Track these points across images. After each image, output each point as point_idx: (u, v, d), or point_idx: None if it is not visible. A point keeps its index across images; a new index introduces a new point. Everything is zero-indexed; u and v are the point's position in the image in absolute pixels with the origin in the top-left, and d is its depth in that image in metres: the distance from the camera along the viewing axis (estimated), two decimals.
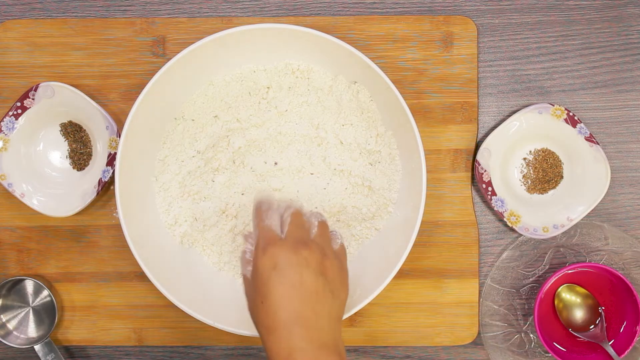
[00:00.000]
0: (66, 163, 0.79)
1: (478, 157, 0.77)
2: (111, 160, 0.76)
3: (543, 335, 0.75)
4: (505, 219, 0.77)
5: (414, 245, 0.69)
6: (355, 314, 0.75)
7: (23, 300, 0.79)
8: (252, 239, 0.61)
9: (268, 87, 0.75)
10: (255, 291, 0.58)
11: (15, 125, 0.76)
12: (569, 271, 0.77)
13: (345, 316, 0.66)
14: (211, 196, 0.75)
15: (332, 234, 0.64)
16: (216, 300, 0.74)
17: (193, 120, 0.75)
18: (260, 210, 0.61)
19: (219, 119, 0.75)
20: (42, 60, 0.79)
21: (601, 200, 0.77)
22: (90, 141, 0.79)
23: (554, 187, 0.79)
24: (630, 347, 0.75)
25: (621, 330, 0.76)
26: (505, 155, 0.78)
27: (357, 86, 0.74)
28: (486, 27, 0.80)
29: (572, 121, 0.77)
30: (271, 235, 0.59)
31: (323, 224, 0.62)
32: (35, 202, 0.77)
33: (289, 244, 0.58)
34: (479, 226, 0.80)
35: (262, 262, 0.57)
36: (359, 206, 0.75)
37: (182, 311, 0.69)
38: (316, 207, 0.75)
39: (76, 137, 0.78)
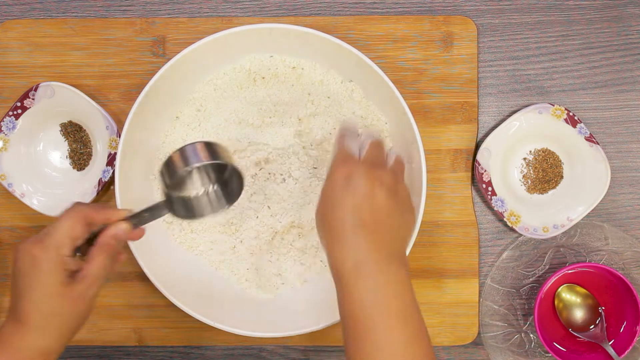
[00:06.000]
0: (66, 163, 0.79)
1: (478, 157, 0.77)
2: (111, 160, 0.76)
3: (543, 335, 0.75)
4: (505, 219, 0.77)
5: (414, 245, 0.69)
6: None
7: None
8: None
9: (268, 87, 0.75)
10: (327, 201, 0.59)
11: (15, 125, 0.76)
12: (569, 271, 0.77)
13: None
14: None
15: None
16: (216, 300, 0.74)
17: (193, 119, 0.75)
18: (343, 136, 0.63)
19: (220, 118, 0.75)
20: (42, 60, 0.79)
21: (601, 200, 0.77)
22: (90, 141, 0.79)
23: (554, 187, 0.79)
24: (630, 347, 0.74)
25: (621, 330, 0.76)
26: (505, 155, 0.78)
27: (352, 85, 0.74)
28: (486, 27, 0.80)
29: (572, 121, 0.77)
30: (349, 154, 0.60)
31: (398, 161, 0.64)
32: (35, 202, 0.77)
33: (365, 163, 0.60)
34: (479, 226, 0.80)
35: (337, 172, 0.59)
36: None
37: (182, 311, 0.69)
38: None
39: (76, 137, 0.78)
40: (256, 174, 0.75)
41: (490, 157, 0.77)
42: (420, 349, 0.55)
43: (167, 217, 0.75)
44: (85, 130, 0.79)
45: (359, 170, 0.58)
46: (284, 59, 0.74)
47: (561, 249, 0.79)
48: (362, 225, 0.56)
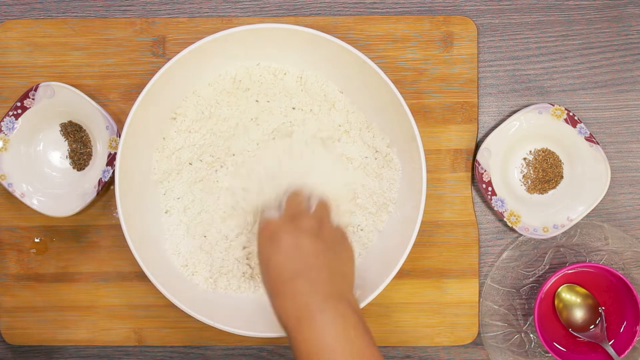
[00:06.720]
0: (66, 163, 0.79)
1: (478, 157, 0.77)
2: (111, 160, 0.76)
3: (543, 335, 0.75)
4: (505, 219, 0.77)
5: (414, 245, 0.69)
6: None
7: None
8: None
9: (268, 87, 0.75)
10: (261, 263, 0.61)
11: (15, 125, 0.76)
12: (569, 271, 0.77)
13: None
14: (211, 195, 0.75)
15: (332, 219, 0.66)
16: (216, 300, 0.74)
17: (193, 120, 0.75)
18: (261, 213, 0.65)
19: (220, 118, 0.75)
20: (42, 60, 0.79)
21: (601, 200, 0.77)
22: (90, 141, 0.79)
23: (554, 187, 0.79)
24: (630, 347, 0.75)
25: (621, 330, 0.76)
26: (505, 155, 0.78)
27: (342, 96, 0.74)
28: (486, 27, 0.80)
29: (572, 121, 0.77)
30: (267, 219, 0.63)
31: (322, 205, 0.65)
32: (35, 202, 0.77)
33: (283, 218, 0.62)
34: (479, 226, 0.80)
35: (261, 236, 0.62)
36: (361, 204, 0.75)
37: (182, 311, 0.69)
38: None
39: (76, 137, 0.78)
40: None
41: (490, 157, 0.77)
42: None
43: (167, 219, 0.75)
44: (85, 130, 0.79)
45: (278, 226, 0.61)
46: (283, 60, 0.74)
47: (561, 249, 0.79)
48: (296, 274, 0.58)
